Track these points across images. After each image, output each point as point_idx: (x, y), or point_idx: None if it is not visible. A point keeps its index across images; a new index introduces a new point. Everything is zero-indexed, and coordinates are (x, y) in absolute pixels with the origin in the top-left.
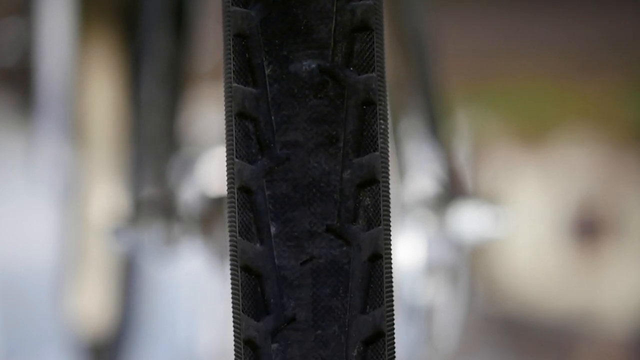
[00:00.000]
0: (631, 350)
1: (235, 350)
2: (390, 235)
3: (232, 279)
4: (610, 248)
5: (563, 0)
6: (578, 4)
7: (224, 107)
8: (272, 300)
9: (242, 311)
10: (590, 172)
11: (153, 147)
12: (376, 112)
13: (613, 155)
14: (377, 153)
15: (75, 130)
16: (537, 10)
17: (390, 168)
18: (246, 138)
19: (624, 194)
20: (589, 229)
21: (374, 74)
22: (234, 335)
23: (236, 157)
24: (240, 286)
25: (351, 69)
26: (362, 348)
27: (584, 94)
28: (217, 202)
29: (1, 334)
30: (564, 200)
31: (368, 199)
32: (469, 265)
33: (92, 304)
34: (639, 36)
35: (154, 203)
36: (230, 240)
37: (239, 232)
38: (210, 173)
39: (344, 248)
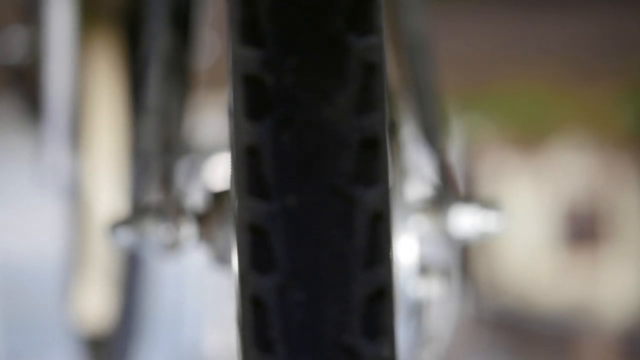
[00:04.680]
0: (627, 347)
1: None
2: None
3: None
4: (605, 249)
5: (559, 5)
6: (575, 9)
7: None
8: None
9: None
10: (586, 176)
11: (157, 151)
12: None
13: (609, 160)
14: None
15: (80, 133)
16: (533, 15)
17: (392, 203)
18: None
19: (619, 196)
20: (584, 231)
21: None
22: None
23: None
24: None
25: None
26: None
27: (581, 99)
28: (219, 198)
29: (6, 333)
30: (560, 202)
31: (375, 235)
32: (465, 266)
33: (96, 304)
34: (636, 41)
35: (158, 206)
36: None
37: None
38: (215, 178)
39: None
